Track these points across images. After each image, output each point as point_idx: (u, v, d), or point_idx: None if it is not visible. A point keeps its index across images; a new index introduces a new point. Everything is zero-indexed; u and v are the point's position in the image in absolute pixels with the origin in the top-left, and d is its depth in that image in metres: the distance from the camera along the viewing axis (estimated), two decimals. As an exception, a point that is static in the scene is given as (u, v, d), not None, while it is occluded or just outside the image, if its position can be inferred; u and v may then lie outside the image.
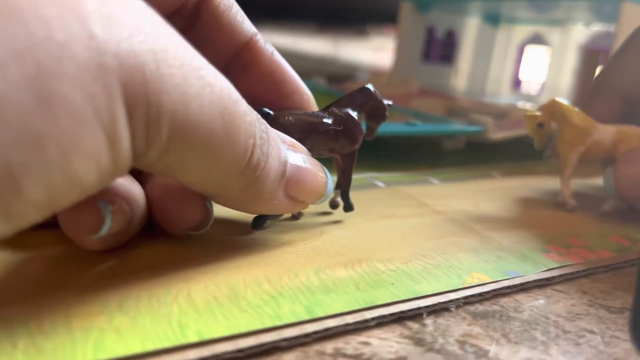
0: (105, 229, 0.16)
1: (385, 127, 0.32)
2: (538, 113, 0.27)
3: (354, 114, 0.21)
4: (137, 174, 0.20)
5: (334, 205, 0.23)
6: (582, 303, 0.19)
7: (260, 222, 0.21)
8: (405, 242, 0.21)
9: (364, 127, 0.22)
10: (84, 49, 0.11)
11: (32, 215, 0.11)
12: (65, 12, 0.11)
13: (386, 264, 0.19)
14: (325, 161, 0.20)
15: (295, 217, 0.23)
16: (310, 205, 0.20)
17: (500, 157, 0.37)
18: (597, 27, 0.52)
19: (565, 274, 0.20)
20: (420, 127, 0.32)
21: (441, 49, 0.59)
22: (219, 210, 0.20)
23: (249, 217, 0.21)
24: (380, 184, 0.29)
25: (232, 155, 0.15)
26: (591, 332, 0.17)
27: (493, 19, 0.58)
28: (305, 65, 0.81)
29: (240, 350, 0.14)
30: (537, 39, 0.58)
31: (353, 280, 0.18)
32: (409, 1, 0.55)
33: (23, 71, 0.10)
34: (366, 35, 1.47)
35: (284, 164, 0.17)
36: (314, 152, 0.20)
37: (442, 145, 0.36)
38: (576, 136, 0.26)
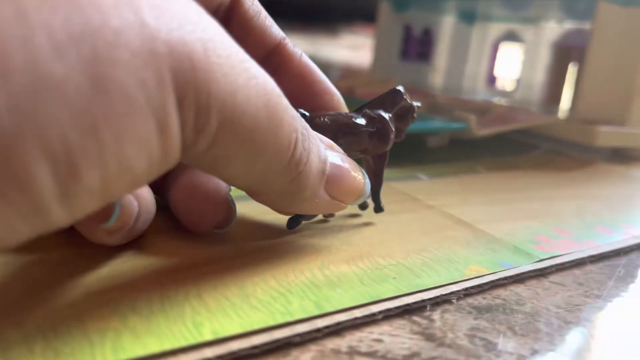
0: (114, 219, 0.16)
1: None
2: None
3: (386, 115, 0.21)
4: (162, 182, 0.20)
5: (363, 206, 0.23)
6: (579, 294, 0.19)
7: (295, 222, 0.21)
8: (402, 237, 0.21)
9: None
10: (136, 36, 0.11)
11: (87, 203, 0.12)
12: (119, 1, 0.11)
13: (387, 259, 0.19)
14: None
15: (326, 218, 0.23)
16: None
17: (483, 152, 0.38)
18: (569, 25, 0.54)
19: (556, 265, 0.21)
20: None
21: (418, 47, 0.59)
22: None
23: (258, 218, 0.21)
24: (371, 180, 0.29)
25: (276, 147, 0.15)
26: (592, 322, 0.18)
27: (468, 17, 0.59)
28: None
29: (255, 347, 0.14)
30: (511, 37, 0.59)
31: (357, 275, 0.18)
32: (387, 1, 0.55)
33: (81, 55, 0.10)
34: (337, 34, 1.47)
35: (324, 161, 0.18)
36: (347, 152, 0.20)
37: (427, 143, 0.36)
38: None
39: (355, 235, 0.21)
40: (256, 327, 0.14)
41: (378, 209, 0.23)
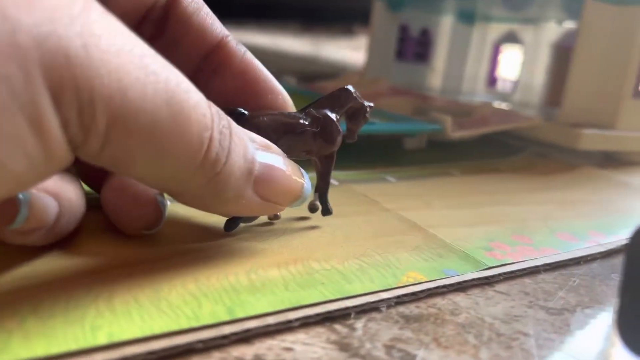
0: (20, 220, 0.16)
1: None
2: None
3: (333, 115, 0.21)
4: (100, 179, 0.20)
5: (313, 208, 0.23)
6: (521, 304, 0.18)
7: (232, 224, 0.20)
8: (347, 240, 0.21)
9: (343, 128, 0.21)
10: None
11: None
12: None
13: (322, 263, 0.19)
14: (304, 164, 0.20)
15: (271, 219, 0.22)
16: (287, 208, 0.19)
17: (464, 155, 0.37)
18: (569, 25, 0.52)
19: (505, 273, 0.20)
20: (378, 126, 0.31)
21: (416, 47, 0.59)
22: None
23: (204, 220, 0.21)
24: (333, 182, 0.28)
25: (184, 147, 0.15)
26: (525, 334, 0.17)
27: (468, 18, 0.58)
28: (284, 64, 0.81)
29: (152, 353, 0.13)
30: (511, 38, 0.57)
31: (284, 280, 0.17)
32: (381, 0, 0.55)
33: None
34: (352, 35, 1.47)
35: (251, 161, 0.17)
36: (291, 154, 0.19)
37: (403, 145, 0.36)
38: None
39: (297, 238, 0.21)
40: (157, 331, 0.14)
41: (325, 211, 0.22)
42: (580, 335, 0.17)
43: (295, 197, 0.19)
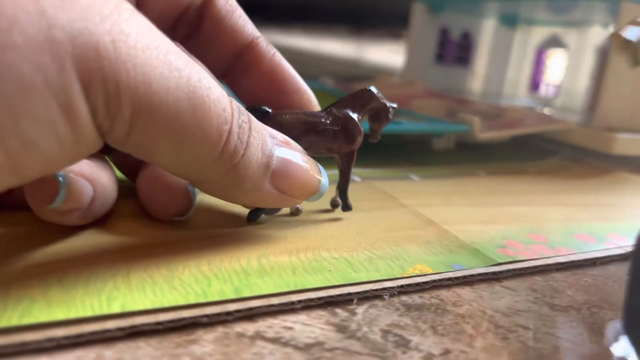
0: (59, 200, 0.17)
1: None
2: (621, 32, 0.25)
3: (354, 115, 0.22)
4: (135, 169, 0.22)
5: (334, 204, 0.24)
6: (526, 300, 0.19)
7: (254, 215, 0.22)
8: (360, 233, 0.22)
9: (365, 128, 0.22)
10: (32, 24, 0.12)
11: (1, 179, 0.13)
12: None
13: (332, 252, 0.20)
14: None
15: (294, 213, 0.23)
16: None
17: (492, 157, 0.37)
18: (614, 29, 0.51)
19: (514, 269, 0.20)
20: (405, 126, 0.32)
21: (456, 50, 0.58)
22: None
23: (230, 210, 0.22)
24: (356, 178, 0.29)
25: (203, 139, 0.16)
26: (525, 327, 0.17)
27: (510, 21, 0.58)
28: (326, 66, 0.82)
29: (159, 323, 0.15)
30: (554, 41, 0.57)
31: (292, 265, 0.18)
32: (421, 2, 0.55)
33: None
34: (398, 38, 1.47)
35: (269, 155, 0.18)
36: (312, 151, 0.21)
37: (432, 145, 0.36)
38: None
39: (312, 229, 0.22)
40: (166, 305, 0.15)
41: (345, 207, 0.23)
42: (582, 332, 0.17)
43: (312, 192, 0.20)
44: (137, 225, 0.20)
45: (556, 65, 0.57)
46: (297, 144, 0.20)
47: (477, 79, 0.60)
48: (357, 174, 0.30)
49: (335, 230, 0.22)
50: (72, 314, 0.14)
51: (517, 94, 0.59)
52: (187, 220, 0.21)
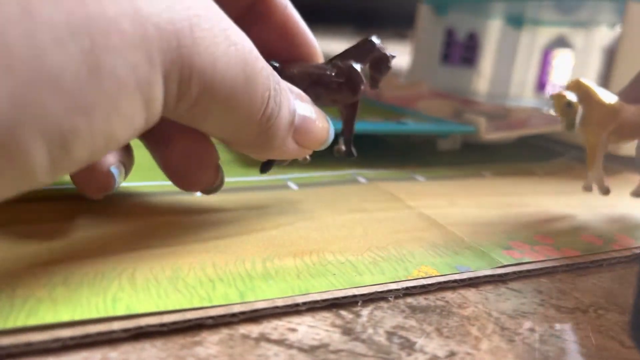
0: (115, 189, 0.19)
1: (376, 126, 0.32)
2: (565, 93, 0.25)
3: (357, 66, 0.22)
4: (159, 136, 0.21)
5: (338, 152, 0.24)
6: (533, 302, 0.19)
7: (267, 167, 0.22)
8: (364, 235, 0.22)
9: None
10: (130, 23, 0.13)
11: (73, 169, 0.13)
12: None
13: (336, 255, 0.19)
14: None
15: (303, 162, 0.23)
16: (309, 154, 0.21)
17: (498, 158, 0.37)
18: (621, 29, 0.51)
19: (520, 271, 0.20)
20: (410, 126, 0.32)
21: (462, 51, 0.58)
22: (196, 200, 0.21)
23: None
24: (362, 179, 0.29)
25: (250, 106, 0.17)
26: (531, 330, 0.17)
27: (516, 21, 0.58)
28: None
29: (164, 325, 0.15)
30: (560, 41, 0.56)
31: (297, 269, 0.18)
32: (427, 3, 0.55)
33: (79, 46, 0.12)
34: (404, 39, 1.46)
35: (293, 113, 0.19)
36: (318, 102, 0.21)
37: (438, 146, 0.36)
38: (604, 115, 0.25)
39: (317, 231, 0.22)
40: (170, 307, 0.15)
41: (348, 153, 0.24)
42: (589, 334, 0.17)
43: (323, 142, 0.21)
44: (143, 226, 0.20)
45: (562, 66, 0.57)
46: (308, 97, 0.20)
47: (483, 79, 0.59)
48: (362, 175, 0.30)
49: (339, 232, 0.22)
50: (78, 315, 0.14)
51: (523, 95, 0.59)
52: (192, 222, 0.21)
